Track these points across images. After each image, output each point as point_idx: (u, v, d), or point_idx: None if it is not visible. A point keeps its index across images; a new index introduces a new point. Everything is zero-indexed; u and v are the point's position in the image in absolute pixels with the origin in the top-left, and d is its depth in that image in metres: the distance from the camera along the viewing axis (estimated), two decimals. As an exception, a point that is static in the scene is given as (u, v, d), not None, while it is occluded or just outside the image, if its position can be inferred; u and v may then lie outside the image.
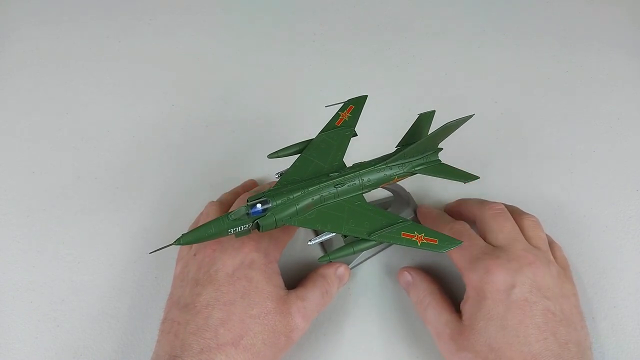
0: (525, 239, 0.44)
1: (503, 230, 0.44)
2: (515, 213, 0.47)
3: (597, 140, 0.59)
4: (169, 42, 0.68)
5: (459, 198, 0.52)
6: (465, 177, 0.44)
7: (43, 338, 0.46)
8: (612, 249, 0.51)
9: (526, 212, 0.47)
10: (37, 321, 0.47)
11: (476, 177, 0.44)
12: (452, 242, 0.38)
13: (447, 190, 0.55)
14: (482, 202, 0.48)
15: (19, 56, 0.67)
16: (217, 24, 0.71)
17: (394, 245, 0.49)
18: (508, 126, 0.60)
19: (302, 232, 0.52)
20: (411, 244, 0.38)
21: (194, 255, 0.43)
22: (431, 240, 0.38)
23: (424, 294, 0.44)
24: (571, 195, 0.54)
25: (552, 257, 0.44)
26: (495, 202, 0.47)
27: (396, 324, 0.47)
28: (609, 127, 0.60)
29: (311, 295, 0.43)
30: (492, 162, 0.57)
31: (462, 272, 0.42)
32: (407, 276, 0.46)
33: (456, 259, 0.43)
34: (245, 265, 0.41)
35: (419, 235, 0.38)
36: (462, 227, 0.45)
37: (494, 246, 0.43)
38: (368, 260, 0.50)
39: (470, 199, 0.51)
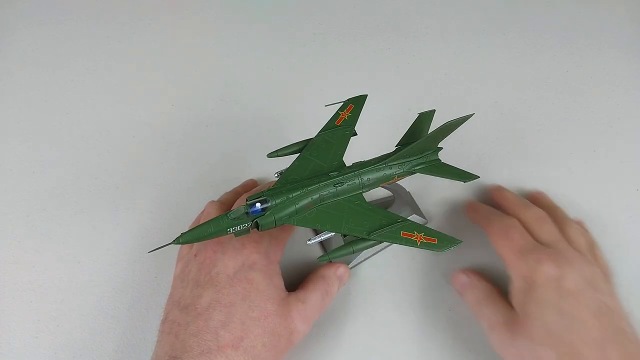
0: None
1: (546, 232, 0.45)
2: (559, 218, 0.48)
3: (597, 140, 0.59)
4: (169, 42, 0.68)
5: (497, 185, 0.53)
6: (465, 176, 0.44)
7: (43, 338, 0.46)
8: (612, 249, 0.51)
9: (569, 217, 0.49)
10: (37, 321, 0.47)
11: (476, 177, 0.44)
12: (452, 241, 0.38)
13: (447, 190, 0.55)
14: (525, 205, 0.48)
15: (19, 56, 0.67)
16: (217, 24, 0.71)
17: (394, 244, 0.50)
18: (508, 126, 0.60)
19: (301, 232, 0.52)
20: (411, 243, 0.38)
21: (195, 255, 0.43)
22: (431, 240, 0.38)
23: (483, 293, 0.45)
24: (571, 195, 0.54)
25: (593, 260, 0.45)
26: (537, 207, 0.48)
27: (396, 324, 0.47)
28: (609, 127, 0.60)
29: (312, 297, 0.43)
30: (492, 162, 0.57)
31: (509, 263, 0.43)
32: (464, 277, 0.46)
33: (504, 251, 0.44)
34: (247, 267, 0.41)
35: (419, 235, 0.38)
36: (513, 222, 0.46)
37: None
38: (368, 260, 0.50)
39: (510, 194, 0.51)
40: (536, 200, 0.52)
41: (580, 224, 0.49)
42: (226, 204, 0.48)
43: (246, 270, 0.41)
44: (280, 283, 0.42)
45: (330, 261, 0.48)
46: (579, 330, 0.38)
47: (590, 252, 0.46)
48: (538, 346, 0.38)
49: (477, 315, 0.44)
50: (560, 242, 0.44)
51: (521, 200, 0.50)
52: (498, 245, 0.45)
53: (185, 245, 0.46)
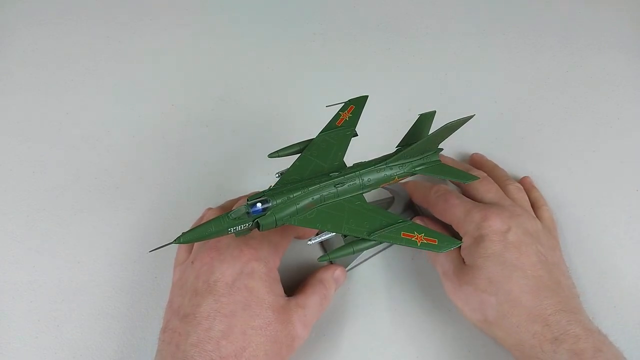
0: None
1: (490, 191, 0.48)
2: (500, 178, 0.51)
3: (597, 140, 0.59)
4: (168, 42, 0.68)
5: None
6: (465, 177, 0.44)
7: (43, 338, 0.46)
8: (612, 249, 0.51)
9: (511, 177, 0.52)
10: (37, 321, 0.47)
11: (476, 178, 0.44)
12: (452, 242, 0.38)
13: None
14: (466, 169, 0.50)
15: (19, 56, 0.67)
16: (217, 24, 0.71)
17: (394, 245, 0.50)
18: (508, 126, 0.60)
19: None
20: (411, 244, 0.38)
21: (192, 262, 0.43)
22: (431, 241, 0.38)
23: None
24: (571, 195, 0.54)
25: (535, 216, 0.48)
26: (477, 170, 0.51)
27: (395, 324, 0.47)
28: (609, 127, 0.60)
29: (311, 302, 0.43)
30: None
31: (457, 226, 0.45)
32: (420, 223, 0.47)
33: (449, 217, 0.46)
34: (245, 275, 0.40)
35: (419, 235, 0.38)
36: (444, 188, 0.49)
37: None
38: (367, 261, 0.50)
39: (451, 160, 0.54)
40: (476, 162, 0.55)
41: (528, 181, 0.53)
42: (225, 208, 0.48)
43: (245, 278, 0.40)
44: (280, 290, 0.42)
45: (330, 262, 0.48)
46: (518, 279, 0.41)
47: (530, 208, 0.49)
48: (481, 293, 0.41)
49: (433, 261, 0.47)
50: (505, 200, 0.47)
51: (462, 165, 0.52)
52: (443, 215, 0.47)
53: (182, 251, 0.46)
